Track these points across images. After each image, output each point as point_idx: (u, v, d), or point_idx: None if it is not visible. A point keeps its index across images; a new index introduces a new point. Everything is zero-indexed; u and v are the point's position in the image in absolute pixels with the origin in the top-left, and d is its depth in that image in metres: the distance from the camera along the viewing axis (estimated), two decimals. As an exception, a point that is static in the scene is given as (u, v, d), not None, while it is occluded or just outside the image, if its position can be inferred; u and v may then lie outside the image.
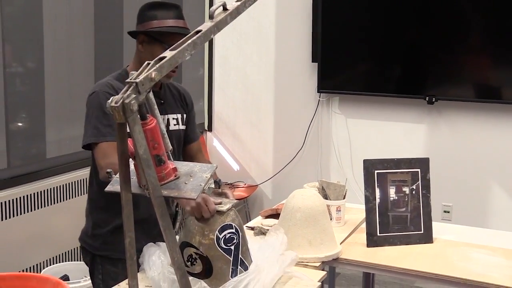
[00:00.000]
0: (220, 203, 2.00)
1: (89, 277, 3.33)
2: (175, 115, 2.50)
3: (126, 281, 1.74)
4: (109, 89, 2.29)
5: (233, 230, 1.96)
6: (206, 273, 1.93)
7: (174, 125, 2.48)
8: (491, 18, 4.16)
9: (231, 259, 1.94)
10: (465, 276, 2.29)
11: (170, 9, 2.36)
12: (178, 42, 1.63)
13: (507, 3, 4.06)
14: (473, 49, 4.24)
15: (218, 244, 1.92)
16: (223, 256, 1.93)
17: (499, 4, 4.09)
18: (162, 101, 2.42)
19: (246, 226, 2.52)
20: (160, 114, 2.29)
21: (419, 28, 4.33)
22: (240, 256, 1.96)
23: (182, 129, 2.54)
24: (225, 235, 1.94)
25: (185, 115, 2.55)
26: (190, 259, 1.94)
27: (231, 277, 1.92)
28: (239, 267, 1.95)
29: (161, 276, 1.89)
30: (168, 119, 2.46)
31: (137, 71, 2.26)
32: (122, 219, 1.62)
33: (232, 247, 1.94)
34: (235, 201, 2.14)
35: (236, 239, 1.95)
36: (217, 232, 1.93)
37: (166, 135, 1.63)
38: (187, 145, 2.60)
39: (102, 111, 2.25)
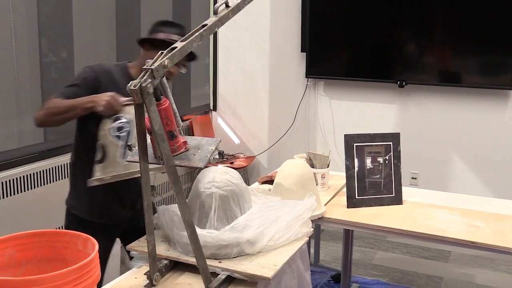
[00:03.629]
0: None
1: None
2: None
3: (145, 236, 1.75)
4: (99, 67, 2.24)
5: (125, 120, 2.02)
6: (102, 159, 2.04)
7: None
8: (452, 14, 4.13)
9: (120, 144, 2.03)
10: (428, 232, 2.30)
11: (175, 27, 2.33)
12: (189, 33, 1.61)
13: (466, 2, 4.03)
14: (438, 40, 4.22)
15: (110, 133, 2.03)
16: (113, 143, 2.03)
17: (459, 2, 4.06)
18: None
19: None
20: None
21: (392, 23, 4.30)
22: (128, 142, 2.03)
23: None
24: (117, 125, 2.03)
25: None
26: (96, 151, 2.05)
27: (122, 158, 2.01)
28: (127, 149, 2.00)
29: (173, 231, 1.90)
30: None
31: (135, 71, 2.29)
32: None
33: (122, 134, 2.02)
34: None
35: (127, 127, 2.02)
36: (110, 122, 2.03)
37: (177, 114, 1.63)
38: None
39: (81, 77, 2.21)
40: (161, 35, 2.26)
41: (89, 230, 1.67)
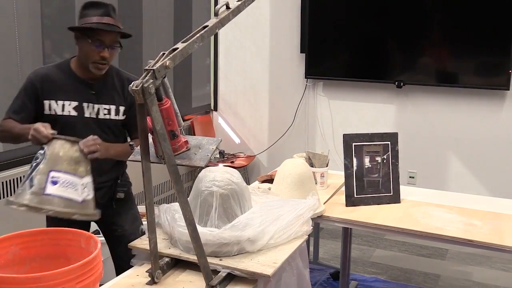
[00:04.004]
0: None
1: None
2: (107, 106, 2.33)
3: (147, 234, 1.75)
4: (35, 76, 2.26)
5: (42, 152, 1.93)
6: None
7: (105, 114, 2.33)
8: (449, 16, 4.13)
9: (29, 171, 1.90)
10: (426, 230, 2.30)
11: (101, 7, 2.22)
12: (190, 35, 1.61)
13: (463, 3, 4.04)
14: (435, 42, 4.22)
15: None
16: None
17: (456, 4, 4.06)
18: (93, 92, 2.31)
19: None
20: (91, 103, 2.31)
21: (389, 25, 4.30)
22: (34, 173, 1.87)
23: (116, 119, 2.36)
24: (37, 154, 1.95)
25: (121, 107, 2.37)
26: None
27: (20, 185, 1.87)
28: (27, 180, 1.86)
29: (174, 229, 1.90)
30: (98, 109, 2.32)
31: (76, 64, 2.31)
32: None
33: (34, 163, 1.90)
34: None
35: (40, 159, 1.90)
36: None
37: (179, 114, 1.62)
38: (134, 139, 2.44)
39: (23, 91, 2.27)
40: (85, 20, 2.20)
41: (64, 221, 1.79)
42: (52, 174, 1.83)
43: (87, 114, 2.31)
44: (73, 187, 1.85)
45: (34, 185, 1.80)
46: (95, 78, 2.32)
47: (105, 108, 2.33)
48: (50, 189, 1.81)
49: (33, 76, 2.27)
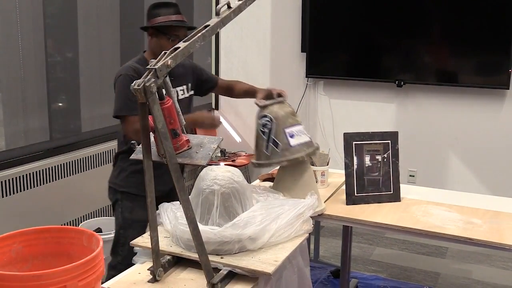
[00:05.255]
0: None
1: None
2: (182, 87, 2.61)
3: (149, 232, 1.75)
4: (133, 72, 2.41)
5: (267, 119, 2.29)
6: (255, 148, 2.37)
7: (182, 94, 2.62)
8: (449, 15, 4.13)
9: (265, 137, 2.29)
10: (426, 228, 2.30)
11: (170, 7, 2.48)
12: (190, 35, 1.61)
13: (463, 2, 4.03)
14: (435, 41, 4.22)
15: (258, 128, 2.32)
16: (261, 136, 2.31)
17: (456, 3, 4.06)
18: (172, 78, 2.44)
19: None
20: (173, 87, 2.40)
21: (390, 24, 4.30)
22: (272, 136, 2.28)
23: (188, 96, 2.68)
24: (262, 122, 2.30)
25: (189, 84, 2.68)
26: None
27: (265, 150, 2.29)
28: (270, 143, 2.28)
29: (175, 228, 1.91)
30: (177, 91, 2.57)
31: (151, 58, 2.38)
32: (139, 165, 1.84)
33: (266, 130, 2.28)
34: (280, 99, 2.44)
35: (270, 125, 2.28)
36: (258, 120, 2.33)
37: (180, 112, 1.63)
38: (214, 88, 2.88)
39: (130, 90, 2.30)
40: (160, 19, 2.44)
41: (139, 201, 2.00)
42: (287, 130, 2.29)
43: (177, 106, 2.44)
44: (302, 133, 2.34)
45: (280, 144, 2.27)
46: None
47: (180, 89, 2.61)
48: (292, 142, 2.29)
49: (129, 73, 2.41)
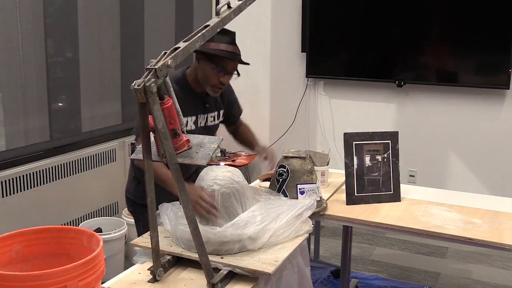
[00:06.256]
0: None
1: (119, 229, 3.37)
2: (213, 113, 2.51)
3: (149, 232, 1.75)
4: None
5: (284, 170, 2.37)
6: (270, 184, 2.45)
7: (211, 121, 2.51)
8: (449, 15, 4.13)
9: (277, 185, 2.38)
10: (426, 228, 2.30)
11: (226, 35, 2.29)
12: (190, 35, 1.61)
13: (463, 3, 4.03)
14: (435, 40, 4.21)
15: (275, 174, 2.41)
16: (275, 182, 2.40)
17: (456, 3, 4.06)
18: (207, 105, 2.45)
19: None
20: (204, 114, 2.43)
21: (390, 24, 4.30)
22: (283, 187, 2.36)
23: (218, 122, 2.60)
24: (279, 171, 2.38)
25: (221, 111, 2.58)
26: None
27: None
28: (280, 193, 2.35)
29: (175, 227, 1.91)
30: (207, 117, 2.47)
31: (191, 80, 2.36)
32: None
33: (280, 179, 2.37)
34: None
35: (285, 176, 2.37)
36: (276, 167, 2.42)
37: (180, 112, 1.62)
38: (232, 124, 2.76)
39: None
40: (211, 45, 2.23)
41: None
42: (299, 186, 2.36)
43: (200, 124, 2.42)
44: (314, 192, 2.38)
45: (288, 197, 2.33)
46: (205, 93, 2.40)
47: (211, 116, 2.50)
48: (300, 198, 2.34)
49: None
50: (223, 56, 2.26)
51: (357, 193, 2.59)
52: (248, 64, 2.38)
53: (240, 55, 2.37)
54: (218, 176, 1.95)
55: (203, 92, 2.38)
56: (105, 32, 3.73)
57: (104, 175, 3.63)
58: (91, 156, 3.53)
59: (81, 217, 3.50)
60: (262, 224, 1.90)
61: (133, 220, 2.63)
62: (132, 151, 1.74)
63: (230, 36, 2.30)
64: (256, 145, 2.68)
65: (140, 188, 2.42)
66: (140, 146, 1.64)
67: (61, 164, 3.30)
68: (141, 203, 2.39)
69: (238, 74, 2.38)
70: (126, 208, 3.31)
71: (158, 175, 2.05)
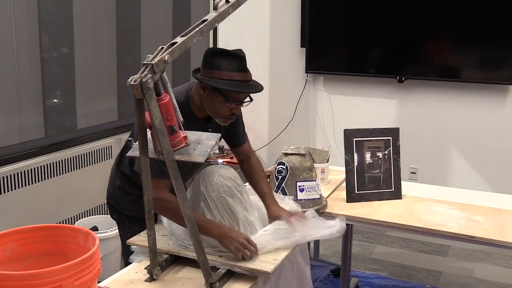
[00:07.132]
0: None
1: (115, 228, 3.37)
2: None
3: (145, 231, 1.75)
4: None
5: (284, 167, 2.41)
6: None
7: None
8: (452, 9, 4.12)
9: (277, 183, 2.42)
10: (427, 226, 2.31)
11: (235, 60, 1.97)
12: (187, 30, 1.60)
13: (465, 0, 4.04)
14: (437, 36, 4.21)
15: (274, 171, 2.45)
16: (274, 179, 2.43)
17: (459, 0, 4.07)
18: (210, 130, 2.10)
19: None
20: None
21: (391, 18, 4.29)
22: (282, 184, 2.40)
23: (219, 145, 2.53)
24: (278, 168, 2.42)
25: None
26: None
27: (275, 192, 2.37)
28: (279, 190, 2.40)
29: (173, 226, 1.91)
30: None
31: (195, 105, 2.10)
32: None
33: (280, 177, 2.41)
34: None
35: (284, 173, 2.39)
36: (276, 164, 2.45)
37: (177, 109, 1.62)
38: (235, 145, 2.35)
39: None
40: (220, 74, 1.93)
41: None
42: (298, 183, 2.38)
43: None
44: (313, 190, 2.41)
45: (287, 195, 2.37)
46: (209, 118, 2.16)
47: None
48: (300, 196, 2.38)
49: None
50: (234, 90, 1.95)
51: (357, 191, 2.59)
52: (261, 90, 2.03)
53: (251, 81, 2.02)
54: (215, 176, 1.96)
55: (205, 116, 2.14)
56: (101, 26, 3.72)
57: (100, 173, 3.62)
58: (87, 153, 3.53)
59: (77, 215, 3.50)
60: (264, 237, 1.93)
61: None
62: (125, 148, 1.72)
63: (241, 61, 1.98)
64: (271, 204, 2.16)
65: (127, 199, 2.24)
66: (137, 143, 1.63)
67: (56, 162, 3.29)
68: (128, 215, 2.25)
69: (251, 100, 2.05)
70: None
71: (179, 215, 1.71)
